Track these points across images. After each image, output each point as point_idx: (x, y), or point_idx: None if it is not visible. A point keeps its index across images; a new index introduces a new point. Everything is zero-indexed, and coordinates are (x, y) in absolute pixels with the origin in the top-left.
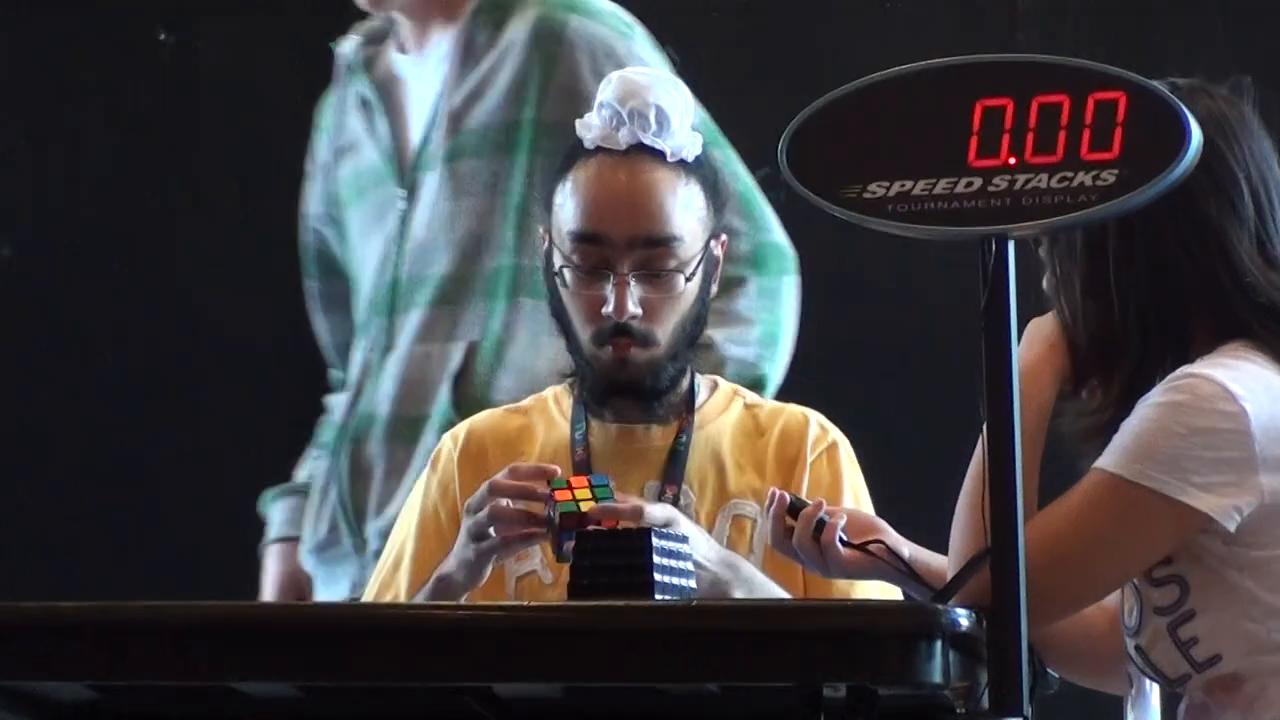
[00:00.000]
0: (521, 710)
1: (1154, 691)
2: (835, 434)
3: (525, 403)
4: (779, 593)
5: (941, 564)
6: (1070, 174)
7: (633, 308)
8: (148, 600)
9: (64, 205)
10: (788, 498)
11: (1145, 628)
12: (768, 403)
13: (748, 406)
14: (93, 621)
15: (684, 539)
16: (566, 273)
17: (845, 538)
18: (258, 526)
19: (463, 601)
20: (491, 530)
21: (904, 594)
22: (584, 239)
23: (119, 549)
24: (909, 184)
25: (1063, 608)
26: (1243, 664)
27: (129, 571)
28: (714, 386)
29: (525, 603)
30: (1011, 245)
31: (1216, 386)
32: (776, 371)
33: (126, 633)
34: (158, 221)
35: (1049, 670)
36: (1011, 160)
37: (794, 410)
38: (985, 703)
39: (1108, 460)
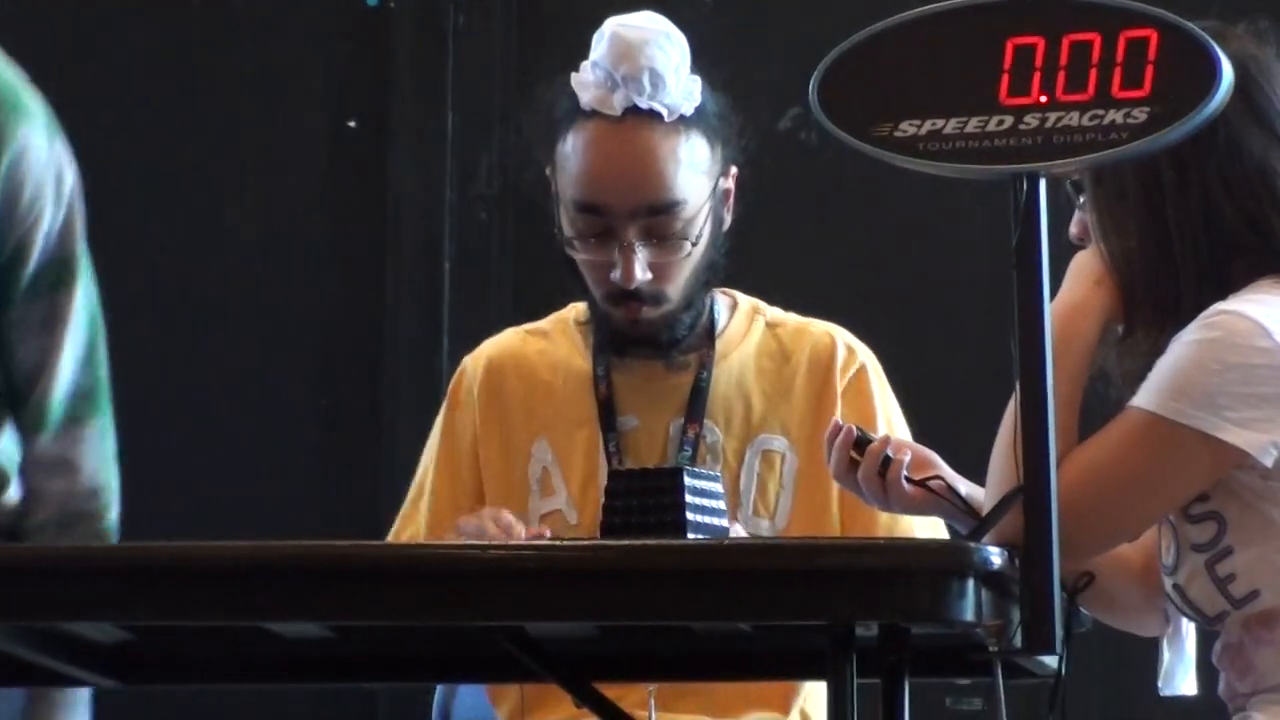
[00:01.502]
0: (553, 649)
1: (1190, 631)
2: (863, 354)
3: (544, 325)
4: None
5: None
6: (1102, 112)
7: (640, 274)
8: None
9: None
10: (854, 431)
11: (1183, 565)
12: (790, 319)
13: (770, 325)
14: (124, 562)
15: (716, 478)
16: (574, 240)
17: (908, 474)
18: None
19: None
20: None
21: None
22: (586, 209)
23: None
24: (940, 122)
25: (1098, 545)
26: None
27: None
28: (733, 306)
29: (557, 541)
30: (1043, 183)
31: (1251, 323)
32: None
33: (158, 573)
34: None
35: (1081, 609)
36: (1043, 98)
37: (820, 331)
38: (1018, 641)
39: (1143, 398)
